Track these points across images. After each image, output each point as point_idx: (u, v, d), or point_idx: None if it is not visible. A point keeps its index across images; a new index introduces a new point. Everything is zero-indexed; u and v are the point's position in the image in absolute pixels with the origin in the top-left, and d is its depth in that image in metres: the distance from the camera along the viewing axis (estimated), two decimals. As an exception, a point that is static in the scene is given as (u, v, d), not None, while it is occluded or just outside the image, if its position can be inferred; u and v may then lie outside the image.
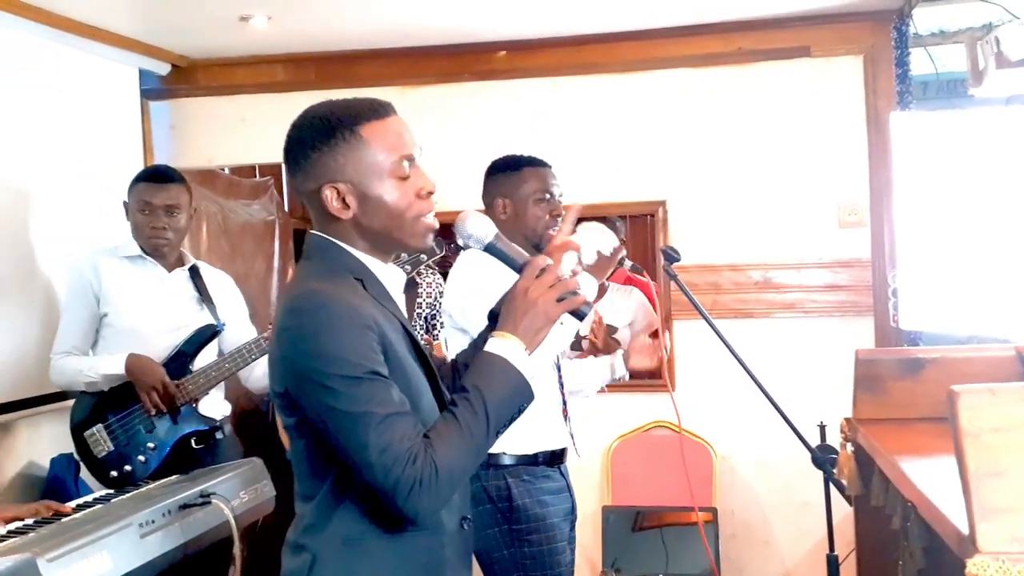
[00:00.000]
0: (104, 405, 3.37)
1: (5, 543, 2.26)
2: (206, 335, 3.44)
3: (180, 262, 3.52)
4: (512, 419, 1.71)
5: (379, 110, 1.76)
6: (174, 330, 3.41)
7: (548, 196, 2.90)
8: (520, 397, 1.70)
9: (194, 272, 3.52)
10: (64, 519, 2.49)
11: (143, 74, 4.58)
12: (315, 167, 1.73)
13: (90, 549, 2.10)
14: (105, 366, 3.34)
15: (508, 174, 2.94)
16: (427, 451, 1.61)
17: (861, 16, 4.31)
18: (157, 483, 2.86)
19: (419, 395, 1.73)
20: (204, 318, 3.47)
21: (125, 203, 3.45)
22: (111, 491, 2.95)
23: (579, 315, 1.78)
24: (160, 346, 3.38)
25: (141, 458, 3.34)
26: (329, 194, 1.72)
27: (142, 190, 3.39)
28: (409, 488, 1.59)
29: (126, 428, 3.35)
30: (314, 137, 1.73)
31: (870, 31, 4.34)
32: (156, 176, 3.44)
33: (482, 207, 2.94)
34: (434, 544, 1.75)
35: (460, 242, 1.86)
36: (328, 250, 1.76)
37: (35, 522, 2.50)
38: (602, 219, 3.75)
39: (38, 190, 3.82)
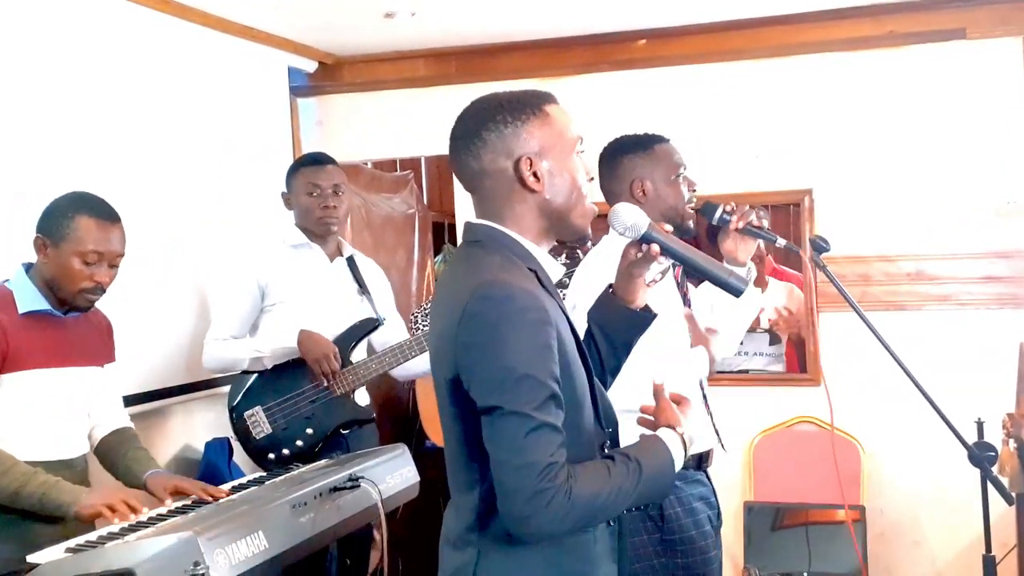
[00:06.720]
0: (264, 388, 3.44)
1: (167, 522, 2.37)
2: (367, 328, 3.48)
3: (339, 251, 3.59)
4: (637, 504, 1.74)
5: (552, 96, 1.85)
6: (335, 319, 3.45)
7: (684, 171, 2.73)
8: (662, 494, 1.80)
9: (351, 262, 3.58)
10: (221, 500, 2.59)
11: (291, 71, 4.71)
12: (507, 141, 1.77)
13: (247, 529, 2.17)
14: (276, 339, 3.40)
15: (639, 154, 2.75)
16: (568, 479, 1.60)
17: (1021, -5, 4.12)
18: (307, 467, 2.93)
19: (583, 398, 1.75)
20: (364, 309, 3.52)
21: (284, 194, 3.59)
22: (263, 473, 3.05)
23: (736, 291, 1.91)
24: (322, 334, 3.42)
25: (299, 443, 3.39)
26: (525, 167, 1.76)
27: (307, 174, 3.51)
28: (530, 498, 1.57)
29: (286, 412, 3.41)
30: (505, 113, 1.78)
31: (1031, 11, 4.14)
32: (317, 160, 3.58)
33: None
34: (589, 541, 1.75)
35: (618, 231, 1.91)
36: (499, 239, 1.78)
37: (194, 502, 2.62)
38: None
39: (193, 184, 3.97)
